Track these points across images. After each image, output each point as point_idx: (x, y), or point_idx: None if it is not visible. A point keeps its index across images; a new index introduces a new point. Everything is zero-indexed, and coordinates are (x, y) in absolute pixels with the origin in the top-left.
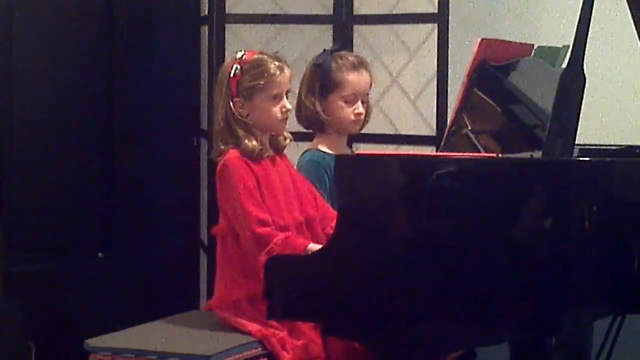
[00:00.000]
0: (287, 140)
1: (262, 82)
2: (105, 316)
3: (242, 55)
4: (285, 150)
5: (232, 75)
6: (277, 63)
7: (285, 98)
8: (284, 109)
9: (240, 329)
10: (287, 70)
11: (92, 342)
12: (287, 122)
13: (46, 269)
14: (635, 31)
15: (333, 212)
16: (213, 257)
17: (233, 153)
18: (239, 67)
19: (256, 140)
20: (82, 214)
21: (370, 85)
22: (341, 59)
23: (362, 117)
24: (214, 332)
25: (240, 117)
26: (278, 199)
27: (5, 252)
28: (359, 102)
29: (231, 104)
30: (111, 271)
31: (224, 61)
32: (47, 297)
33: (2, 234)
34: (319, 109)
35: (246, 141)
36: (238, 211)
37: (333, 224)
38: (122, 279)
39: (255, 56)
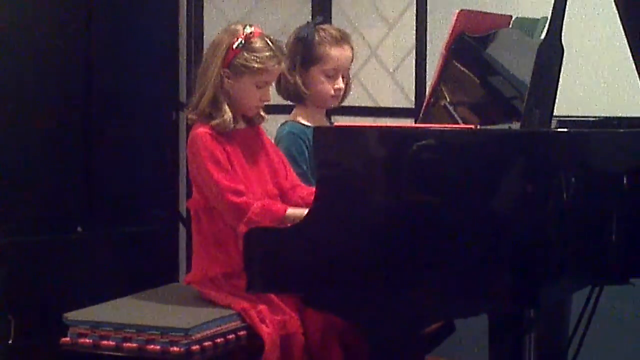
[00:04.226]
0: (262, 118)
1: (256, 67)
2: (84, 290)
3: (250, 32)
4: (262, 123)
5: (234, 47)
6: (277, 54)
7: (269, 89)
8: (263, 98)
9: (219, 303)
10: (283, 64)
11: (71, 315)
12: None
13: (25, 242)
14: (613, 3)
15: (304, 185)
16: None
17: (202, 127)
18: (243, 41)
19: (232, 115)
20: (62, 188)
21: (352, 60)
22: (324, 33)
23: (342, 92)
24: (193, 305)
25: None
26: (249, 172)
27: None
28: (340, 77)
29: (222, 73)
30: (90, 245)
31: (202, 33)
32: (26, 270)
33: None
34: (299, 82)
35: (225, 116)
36: (211, 185)
37: (304, 193)
38: (102, 253)
39: (260, 39)
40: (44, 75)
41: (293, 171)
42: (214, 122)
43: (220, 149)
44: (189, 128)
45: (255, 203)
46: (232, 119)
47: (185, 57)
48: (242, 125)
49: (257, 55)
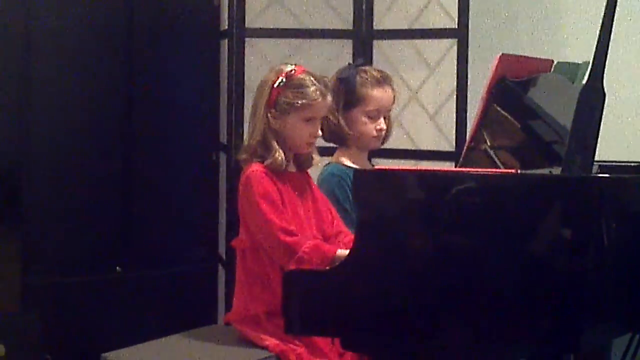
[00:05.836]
0: (313, 161)
1: (300, 102)
2: (123, 330)
3: (291, 70)
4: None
5: (275, 86)
6: (321, 88)
7: (318, 124)
8: (313, 133)
9: (258, 344)
10: (328, 98)
11: (110, 355)
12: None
13: (64, 282)
14: None
15: (347, 231)
16: (231, 271)
17: (257, 166)
18: (284, 80)
19: (284, 154)
20: (101, 228)
21: (393, 101)
22: (366, 74)
23: (384, 133)
24: (232, 346)
25: (273, 128)
26: (298, 214)
27: (24, 266)
28: (382, 118)
29: (268, 114)
30: (129, 285)
31: (243, 75)
32: (65, 310)
33: (21, 247)
34: (342, 123)
35: (276, 155)
36: (262, 223)
37: (347, 239)
38: (140, 293)
39: (302, 75)
40: (84, 115)
41: (339, 217)
42: (266, 162)
43: (274, 187)
44: (229, 169)
45: (306, 242)
46: (284, 158)
47: (226, 99)
48: (292, 168)
49: (300, 91)
